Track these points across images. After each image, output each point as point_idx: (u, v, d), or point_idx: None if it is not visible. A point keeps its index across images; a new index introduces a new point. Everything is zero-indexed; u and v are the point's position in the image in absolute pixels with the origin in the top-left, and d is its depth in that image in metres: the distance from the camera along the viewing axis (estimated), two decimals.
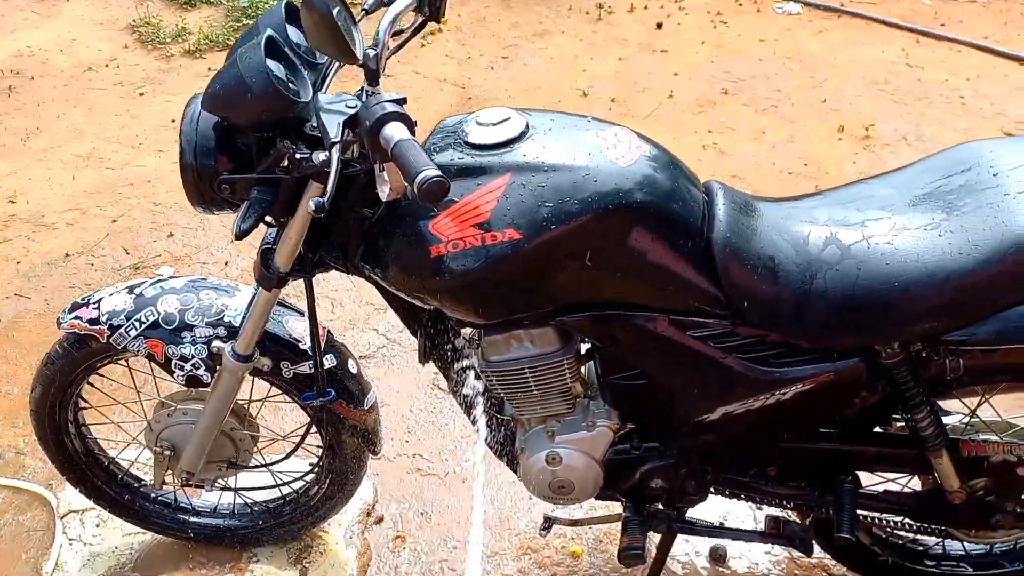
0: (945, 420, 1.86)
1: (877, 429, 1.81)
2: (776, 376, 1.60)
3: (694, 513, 1.94)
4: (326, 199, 1.33)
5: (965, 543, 2.01)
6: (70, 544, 2.24)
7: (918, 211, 1.55)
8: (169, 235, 3.38)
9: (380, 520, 2.36)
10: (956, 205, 1.52)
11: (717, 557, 2.24)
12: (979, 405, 1.82)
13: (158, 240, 3.36)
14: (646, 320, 1.59)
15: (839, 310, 1.52)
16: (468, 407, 1.89)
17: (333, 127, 1.38)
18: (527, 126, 1.56)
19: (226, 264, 3.22)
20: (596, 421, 1.78)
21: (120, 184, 3.68)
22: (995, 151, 1.58)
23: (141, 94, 4.29)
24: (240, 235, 1.49)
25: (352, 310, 3.04)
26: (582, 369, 1.79)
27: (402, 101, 1.35)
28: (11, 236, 3.43)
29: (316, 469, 2.11)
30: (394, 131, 1.30)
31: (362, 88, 1.40)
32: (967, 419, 1.83)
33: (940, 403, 1.88)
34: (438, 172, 1.21)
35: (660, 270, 1.54)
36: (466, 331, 1.77)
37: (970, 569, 2.04)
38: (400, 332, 2.89)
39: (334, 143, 1.35)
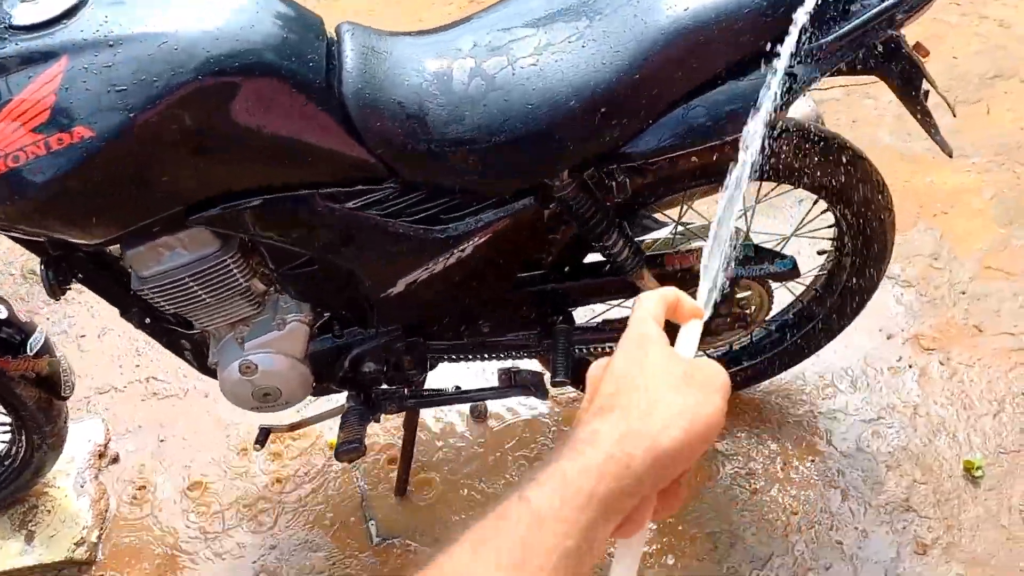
0: (657, 234, 1.79)
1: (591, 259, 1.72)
2: (450, 234, 1.45)
3: (431, 384, 1.84)
4: None
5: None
6: None
7: (562, 22, 1.37)
8: None
9: (116, 459, 2.14)
10: (597, 9, 1.35)
11: (478, 415, 2.17)
12: (683, 214, 1.75)
13: None
14: (293, 201, 1.39)
15: (495, 150, 1.35)
16: (148, 331, 1.66)
17: None
18: None
19: None
20: (286, 318, 1.60)
21: None
22: None
23: None
24: None
25: None
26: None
27: None
28: None
29: (4, 429, 1.86)
30: None
31: None
32: (675, 230, 1.76)
33: (657, 216, 1.81)
34: None
35: (286, 142, 1.32)
36: (112, 248, 1.52)
37: None
38: None
39: None
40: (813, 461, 2.04)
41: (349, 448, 1.63)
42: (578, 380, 1.95)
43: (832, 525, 1.93)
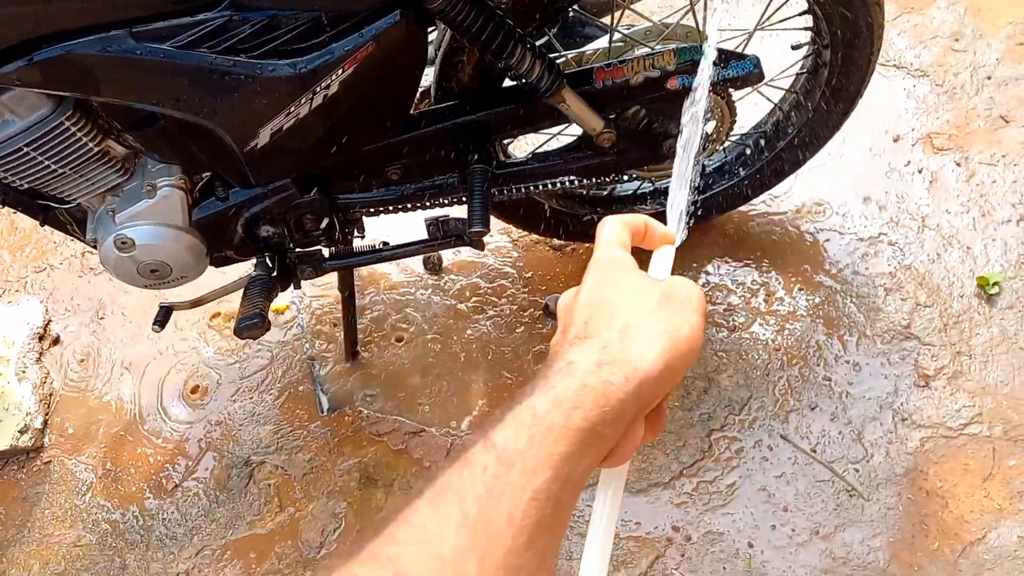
0: (595, 45, 1.50)
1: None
2: (303, 69, 1.19)
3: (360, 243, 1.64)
4: None
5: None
6: None
7: None
8: None
9: (57, 341, 2.03)
10: None
11: (432, 267, 1.97)
12: (619, 18, 1.45)
13: None
14: (103, 44, 1.14)
15: None
16: (19, 209, 1.48)
17: None
18: None
19: None
20: (155, 183, 1.39)
21: None
22: None
23: None
24: None
25: None
26: None
27: None
28: None
29: None
30: None
31: None
32: (612, 38, 1.46)
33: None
34: None
35: None
36: None
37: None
38: None
39: None
40: (802, 290, 1.81)
41: (249, 324, 1.45)
42: (539, 226, 1.74)
43: (820, 360, 1.72)
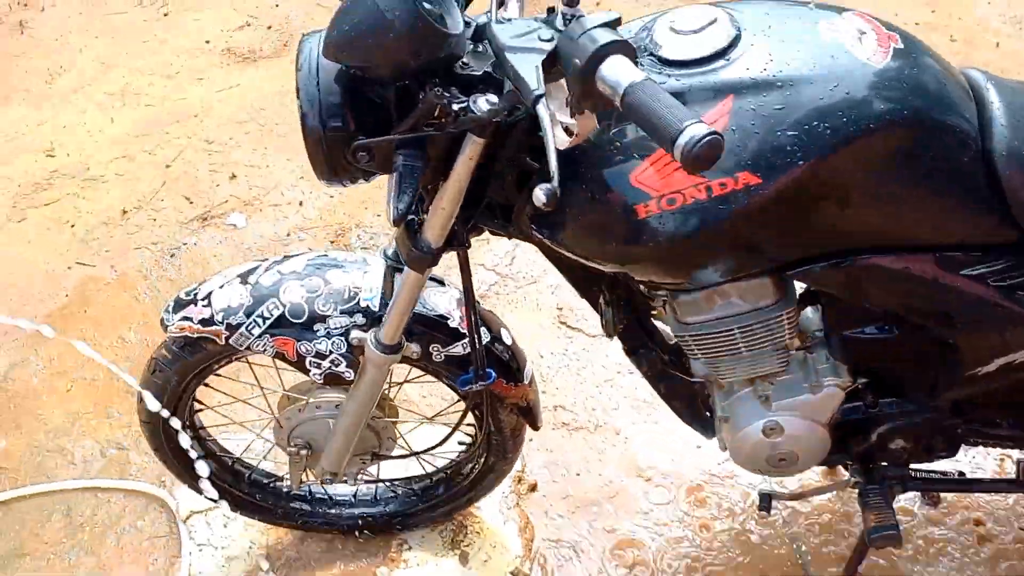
0: None
1: None
2: None
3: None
4: (555, 183, 0.98)
5: None
6: (200, 550, 2.01)
7: None
8: (231, 177, 3.01)
9: (534, 488, 2.10)
10: None
11: (932, 499, 1.96)
12: None
13: (220, 184, 3.00)
14: (907, 262, 1.26)
15: None
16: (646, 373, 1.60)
17: (530, 72, 0.99)
18: (738, 28, 1.19)
19: (301, 204, 2.87)
20: (823, 381, 1.47)
21: (165, 122, 3.28)
22: None
23: (165, 14, 3.85)
24: (399, 219, 1.15)
25: None
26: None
27: (616, 23, 0.98)
28: (58, 195, 3.08)
29: (470, 450, 1.85)
30: (618, 70, 0.93)
31: (551, 10, 1.03)
32: None
33: None
34: (708, 128, 0.86)
35: (933, 200, 1.19)
36: (658, 292, 1.45)
37: None
38: (509, 265, 2.58)
39: (538, 95, 0.98)
40: None
41: (886, 534, 1.47)
42: None
43: None
